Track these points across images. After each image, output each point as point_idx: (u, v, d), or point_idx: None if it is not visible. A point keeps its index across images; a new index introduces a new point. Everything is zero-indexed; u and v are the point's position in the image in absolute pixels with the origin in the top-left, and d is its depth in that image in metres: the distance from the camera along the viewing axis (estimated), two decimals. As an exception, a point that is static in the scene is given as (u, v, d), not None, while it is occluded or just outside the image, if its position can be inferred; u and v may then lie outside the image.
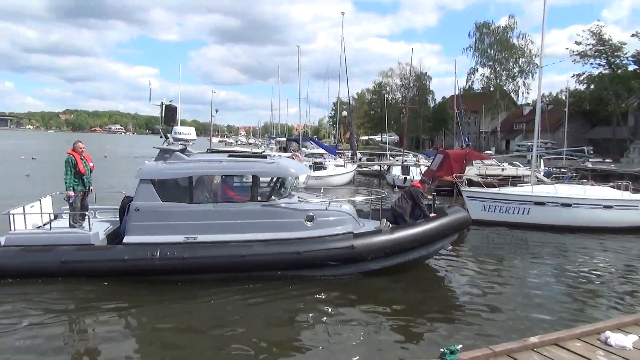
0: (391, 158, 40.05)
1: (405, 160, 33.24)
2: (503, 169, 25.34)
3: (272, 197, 9.35)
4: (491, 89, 66.36)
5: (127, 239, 8.93)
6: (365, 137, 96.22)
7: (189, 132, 10.21)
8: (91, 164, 9.95)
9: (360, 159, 40.60)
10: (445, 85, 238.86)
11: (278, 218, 9.13)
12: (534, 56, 60.70)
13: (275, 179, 9.63)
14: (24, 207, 9.35)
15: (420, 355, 6.32)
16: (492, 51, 64.98)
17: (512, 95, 67.51)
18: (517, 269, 10.95)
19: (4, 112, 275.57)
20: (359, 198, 12.33)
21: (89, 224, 9.13)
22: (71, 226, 9.44)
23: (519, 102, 69.45)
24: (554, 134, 48.59)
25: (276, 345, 6.68)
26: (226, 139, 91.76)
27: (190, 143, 10.33)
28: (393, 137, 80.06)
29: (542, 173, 24.86)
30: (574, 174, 24.06)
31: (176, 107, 10.26)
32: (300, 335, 7.05)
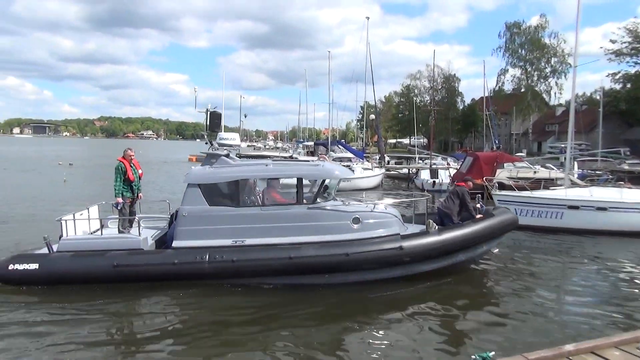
0: (419, 161, 39.73)
1: (434, 164, 32.94)
2: (535, 172, 24.79)
3: (318, 199, 9.37)
4: (522, 90, 65.03)
5: (175, 244, 9.05)
6: (393, 140, 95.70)
7: (234, 138, 10.36)
8: (140, 171, 10.11)
9: (388, 162, 40.42)
10: (474, 86, 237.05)
11: (324, 220, 9.13)
12: (566, 55, 59.34)
13: (320, 182, 9.61)
14: (74, 214, 9.54)
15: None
16: (523, 51, 63.75)
17: (544, 95, 66.03)
18: (550, 274, 10.68)
19: (43, 119, 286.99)
20: (395, 201, 12.22)
21: (139, 230, 9.26)
22: (120, 232, 9.59)
23: (551, 103, 67.85)
24: (588, 135, 47.10)
25: (307, 345, 6.74)
26: (255, 144, 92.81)
27: (235, 148, 10.46)
28: (421, 140, 79.40)
29: (576, 175, 24.21)
30: (610, 177, 23.36)
31: (220, 114, 10.36)
32: (334, 337, 7.08)
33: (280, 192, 9.85)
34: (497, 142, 45.93)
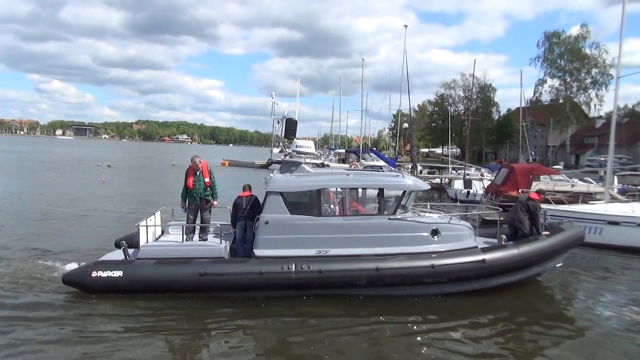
0: (453, 171, 39.29)
1: (467, 174, 32.55)
2: (573, 185, 24.14)
3: (398, 210, 9.35)
4: (560, 101, 63.35)
5: (258, 252, 8.91)
6: (426, 150, 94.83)
7: (309, 146, 10.45)
8: (207, 180, 9.75)
9: (420, 172, 40.13)
10: (510, 96, 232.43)
11: (405, 232, 9.12)
12: (608, 66, 57.51)
13: (401, 193, 9.54)
14: (146, 220, 9.43)
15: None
16: (562, 61, 62.02)
17: (584, 107, 64.03)
18: (593, 292, 10.32)
19: (83, 122, 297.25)
20: (465, 213, 12.13)
21: (220, 238, 9.18)
22: (201, 239, 9.51)
23: (591, 115, 65.78)
24: (629, 149, 45.62)
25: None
26: (286, 150, 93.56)
27: (311, 157, 10.49)
28: (454, 150, 78.39)
29: (616, 190, 23.45)
30: (653, 192, 22.51)
31: (296, 121, 10.27)
32: (397, 343, 7.14)
33: (360, 203, 9.79)
34: (533, 153, 44.97)
